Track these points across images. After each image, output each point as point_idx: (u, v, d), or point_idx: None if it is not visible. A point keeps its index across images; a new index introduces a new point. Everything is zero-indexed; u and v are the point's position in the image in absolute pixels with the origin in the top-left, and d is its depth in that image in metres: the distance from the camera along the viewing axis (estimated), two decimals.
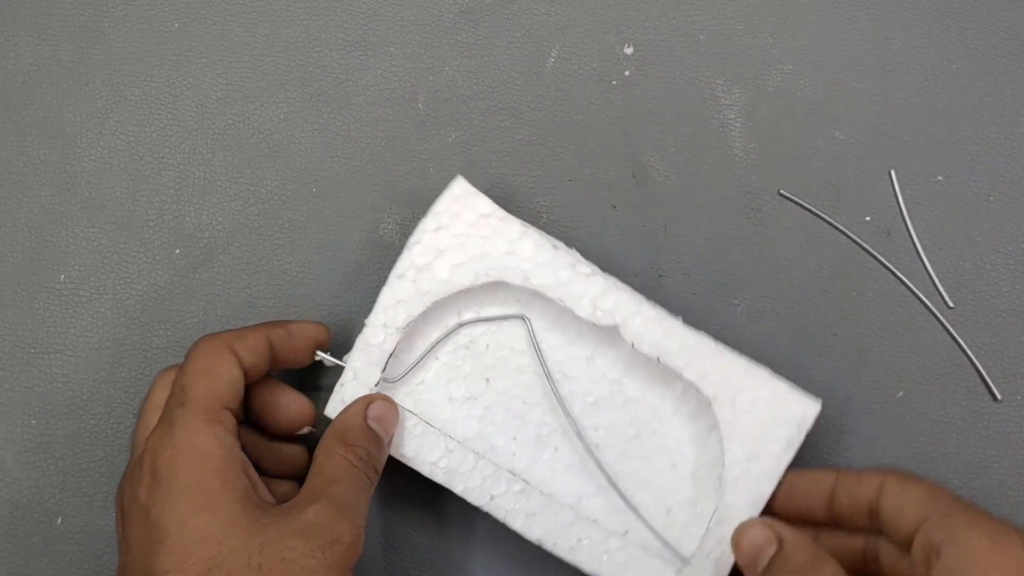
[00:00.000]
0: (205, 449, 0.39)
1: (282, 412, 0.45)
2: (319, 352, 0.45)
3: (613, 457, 0.45)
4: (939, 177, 0.50)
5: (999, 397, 0.48)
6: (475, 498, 0.44)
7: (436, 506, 0.47)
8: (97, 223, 0.49)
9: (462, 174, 0.45)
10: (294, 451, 0.46)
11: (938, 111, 0.50)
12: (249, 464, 0.41)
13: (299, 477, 0.45)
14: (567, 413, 0.45)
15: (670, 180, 0.50)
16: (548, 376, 0.45)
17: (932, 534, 0.37)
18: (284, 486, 0.45)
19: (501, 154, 0.50)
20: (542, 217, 0.49)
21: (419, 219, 0.45)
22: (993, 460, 0.47)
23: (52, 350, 0.48)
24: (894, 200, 0.50)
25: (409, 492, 0.47)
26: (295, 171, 0.50)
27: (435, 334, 0.46)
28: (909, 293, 0.49)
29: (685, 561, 0.43)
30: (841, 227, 0.49)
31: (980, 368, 0.48)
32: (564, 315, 0.45)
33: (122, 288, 0.49)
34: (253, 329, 0.43)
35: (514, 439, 0.46)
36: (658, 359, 0.44)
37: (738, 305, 0.49)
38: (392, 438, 0.43)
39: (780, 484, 0.43)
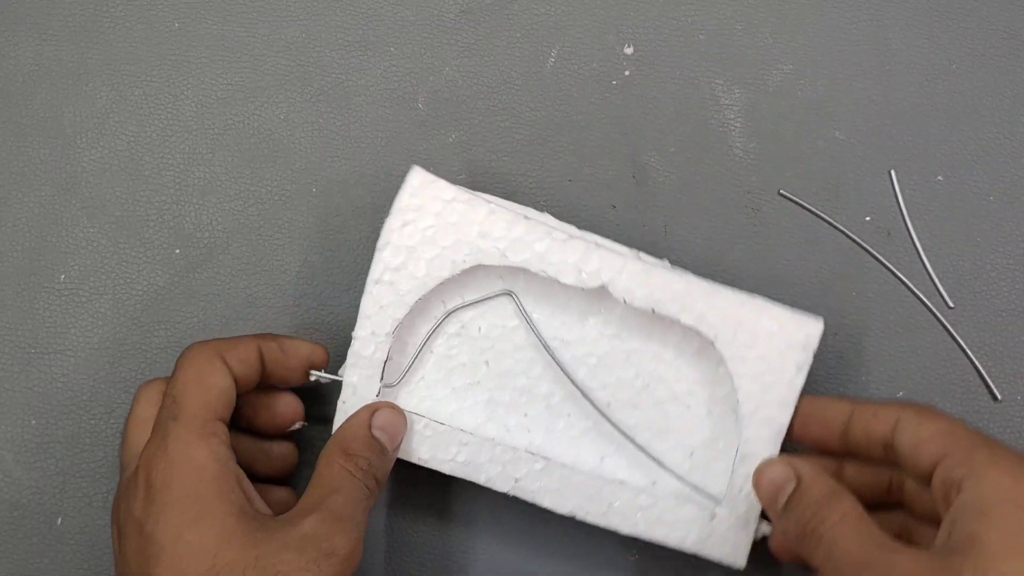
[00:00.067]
0: (199, 462, 0.39)
1: (271, 411, 0.44)
2: (314, 372, 0.44)
3: (626, 412, 0.45)
4: (939, 177, 0.50)
5: (999, 397, 0.48)
6: (499, 485, 0.43)
7: (438, 507, 0.47)
8: (97, 223, 0.49)
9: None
10: (285, 450, 0.45)
11: (938, 111, 0.50)
12: (244, 476, 0.40)
13: (292, 476, 0.45)
14: (572, 379, 0.45)
15: (670, 180, 0.50)
16: (545, 346, 0.45)
17: (952, 470, 0.37)
18: (280, 493, 0.44)
19: (501, 154, 0.50)
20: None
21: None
22: None
23: (52, 350, 0.48)
24: (894, 200, 0.49)
25: (410, 493, 0.47)
26: (295, 171, 0.50)
27: (425, 330, 0.45)
28: (909, 293, 0.49)
29: (716, 501, 0.43)
30: (841, 227, 0.49)
31: (980, 368, 0.48)
32: (550, 284, 0.44)
33: (122, 288, 0.49)
34: (244, 339, 0.43)
35: (525, 415, 0.45)
36: (652, 311, 0.43)
37: None
38: (399, 446, 0.43)
39: (796, 411, 0.43)
